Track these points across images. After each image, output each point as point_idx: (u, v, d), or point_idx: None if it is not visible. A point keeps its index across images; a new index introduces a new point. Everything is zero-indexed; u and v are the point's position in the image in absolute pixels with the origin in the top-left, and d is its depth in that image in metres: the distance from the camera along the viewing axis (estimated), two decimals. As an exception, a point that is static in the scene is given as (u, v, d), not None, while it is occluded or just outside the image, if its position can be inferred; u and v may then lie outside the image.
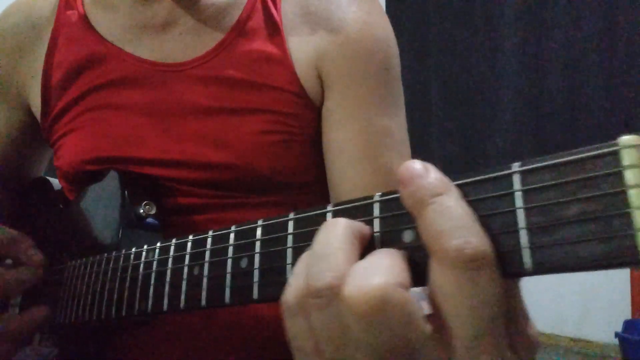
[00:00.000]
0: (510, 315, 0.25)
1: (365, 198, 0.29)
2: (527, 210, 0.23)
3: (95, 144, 0.62)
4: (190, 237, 0.40)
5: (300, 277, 0.27)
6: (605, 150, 0.22)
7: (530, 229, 0.23)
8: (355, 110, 0.62)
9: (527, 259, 0.23)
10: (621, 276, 2.65)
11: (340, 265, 0.25)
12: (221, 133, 0.60)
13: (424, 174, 0.25)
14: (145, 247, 0.45)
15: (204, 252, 0.38)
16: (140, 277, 0.44)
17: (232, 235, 0.36)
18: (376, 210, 0.28)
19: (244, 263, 0.34)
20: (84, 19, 0.67)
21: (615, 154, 0.22)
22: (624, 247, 0.21)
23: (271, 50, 0.62)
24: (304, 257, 0.28)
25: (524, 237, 0.23)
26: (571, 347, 2.78)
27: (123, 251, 0.48)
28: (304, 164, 0.63)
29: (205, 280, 0.37)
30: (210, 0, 0.65)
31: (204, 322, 0.58)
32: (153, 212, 0.57)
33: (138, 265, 0.45)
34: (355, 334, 0.24)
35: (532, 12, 2.82)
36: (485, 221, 0.24)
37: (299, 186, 0.64)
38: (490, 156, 2.87)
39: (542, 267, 0.23)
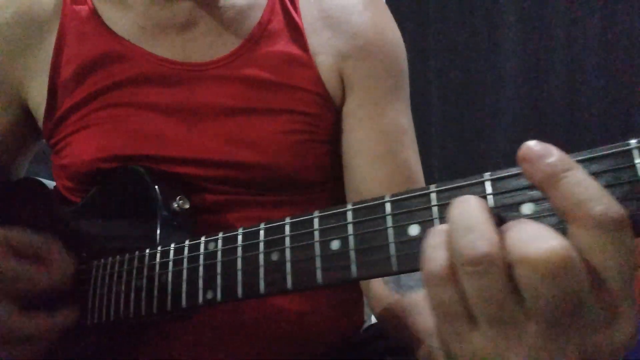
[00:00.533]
0: None
1: (473, 178, 0.32)
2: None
3: (114, 142, 0.61)
4: (262, 225, 0.41)
5: (440, 249, 0.29)
6: None
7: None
8: (376, 111, 0.65)
9: None
10: (621, 276, 2.65)
11: (491, 234, 0.28)
12: (246, 132, 0.61)
13: (548, 152, 0.28)
14: (203, 238, 0.45)
15: (284, 238, 0.39)
16: (201, 267, 0.45)
17: (315, 221, 0.37)
18: (489, 188, 0.31)
19: (335, 245, 0.36)
20: (95, 15, 0.66)
21: None
22: None
23: (295, 52, 0.64)
24: (442, 231, 0.30)
25: None
26: (571, 348, 2.77)
27: (172, 245, 0.48)
28: (323, 163, 0.66)
29: (288, 265, 0.38)
30: (230, 2, 0.66)
31: (230, 318, 0.59)
32: (187, 206, 0.57)
33: (197, 257, 0.45)
34: (528, 293, 0.27)
35: (532, 12, 2.82)
36: (609, 190, 0.28)
37: (317, 184, 0.65)
38: (490, 156, 2.87)
39: None
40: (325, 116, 0.64)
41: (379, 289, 0.62)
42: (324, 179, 0.66)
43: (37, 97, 0.66)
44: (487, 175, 0.32)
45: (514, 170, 0.31)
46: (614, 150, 0.28)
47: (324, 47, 0.65)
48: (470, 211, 0.29)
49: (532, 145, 0.28)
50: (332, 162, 0.67)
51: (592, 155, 0.29)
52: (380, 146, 0.64)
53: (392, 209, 0.34)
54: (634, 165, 0.28)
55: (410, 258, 0.33)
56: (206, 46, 0.64)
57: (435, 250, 0.30)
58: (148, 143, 0.60)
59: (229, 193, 0.61)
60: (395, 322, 0.60)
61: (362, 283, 0.66)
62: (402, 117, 0.67)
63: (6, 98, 0.68)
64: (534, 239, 0.27)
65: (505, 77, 2.89)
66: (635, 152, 0.28)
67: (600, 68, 2.63)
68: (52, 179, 0.71)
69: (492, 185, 0.31)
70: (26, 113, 0.69)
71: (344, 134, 0.66)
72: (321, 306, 0.63)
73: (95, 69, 0.63)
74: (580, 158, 0.29)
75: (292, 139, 0.62)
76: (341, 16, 0.66)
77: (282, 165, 0.61)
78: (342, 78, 0.65)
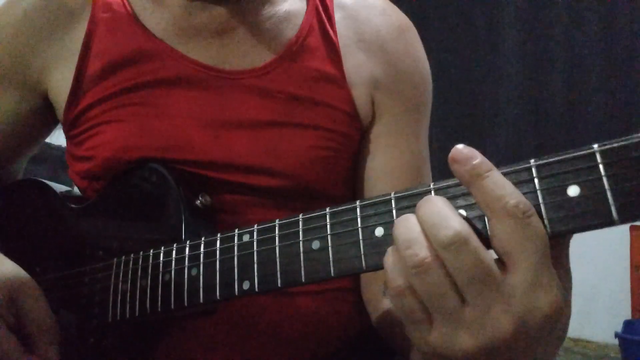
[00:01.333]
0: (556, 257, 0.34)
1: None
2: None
3: (140, 143, 0.60)
4: (300, 215, 0.42)
5: (396, 264, 0.35)
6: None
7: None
8: (402, 139, 0.68)
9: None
10: (621, 276, 2.65)
11: (427, 244, 0.34)
12: (275, 144, 0.62)
13: (473, 155, 0.33)
14: (236, 230, 0.45)
15: (325, 226, 0.40)
16: (236, 259, 0.45)
17: (358, 209, 0.39)
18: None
19: (379, 232, 0.37)
20: (129, 10, 0.65)
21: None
22: None
23: (329, 70, 0.65)
24: (392, 250, 0.36)
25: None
26: (571, 347, 2.78)
27: (203, 238, 0.48)
28: (345, 178, 0.67)
29: (330, 252, 0.39)
30: (269, 13, 0.66)
31: (247, 318, 0.59)
32: (209, 203, 0.57)
33: (231, 248, 0.45)
34: (452, 270, 0.33)
35: (532, 12, 2.82)
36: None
37: (333, 198, 0.66)
38: (490, 156, 2.87)
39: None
40: (352, 135, 0.65)
41: (376, 294, 0.62)
42: (342, 193, 0.67)
43: (60, 86, 0.65)
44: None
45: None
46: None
47: (357, 70, 0.66)
48: (409, 227, 0.34)
49: (461, 148, 0.33)
50: (352, 178, 0.68)
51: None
52: (402, 174, 0.67)
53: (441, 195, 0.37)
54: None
55: None
56: (241, 54, 0.64)
57: (393, 266, 0.35)
58: (175, 147, 0.60)
59: (249, 195, 0.61)
60: (387, 328, 0.60)
61: (362, 289, 0.66)
62: (423, 147, 0.70)
63: (26, 85, 0.66)
64: (444, 228, 0.33)
65: (505, 77, 2.90)
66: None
67: (600, 68, 2.63)
68: (53, 179, 0.71)
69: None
70: (45, 102, 0.67)
71: (369, 155, 0.68)
72: (337, 306, 0.63)
73: (126, 65, 0.62)
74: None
75: (320, 154, 0.63)
76: (376, 42, 0.67)
77: (307, 177, 0.62)
78: (373, 101, 0.66)
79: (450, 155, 0.33)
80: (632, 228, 2.59)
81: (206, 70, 0.63)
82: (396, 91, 0.67)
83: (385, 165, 0.67)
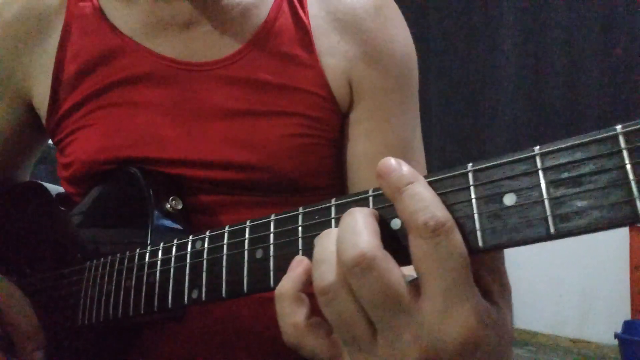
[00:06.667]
0: (481, 273, 0.31)
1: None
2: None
3: (113, 143, 0.60)
4: (248, 222, 0.40)
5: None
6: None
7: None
8: (385, 123, 0.64)
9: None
10: (621, 277, 2.65)
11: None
12: (248, 134, 0.60)
13: (398, 168, 0.30)
14: (191, 237, 0.44)
15: (268, 235, 0.38)
16: (188, 267, 0.44)
17: (300, 217, 0.37)
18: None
19: None
20: (99, 11, 0.65)
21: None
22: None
23: (300, 53, 0.62)
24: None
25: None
26: (571, 348, 2.78)
27: (162, 244, 0.47)
28: (326, 166, 0.64)
29: (272, 261, 0.37)
30: (235, 1, 0.65)
31: (225, 325, 0.58)
32: (180, 207, 0.57)
33: (184, 256, 0.44)
34: (359, 296, 0.30)
35: (532, 12, 2.82)
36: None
37: (320, 188, 0.63)
38: (490, 156, 2.87)
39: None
40: (330, 120, 0.63)
41: None
42: (327, 183, 0.65)
43: (42, 94, 0.65)
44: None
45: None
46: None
47: (331, 50, 0.63)
48: (324, 246, 0.32)
49: (387, 161, 0.31)
50: (336, 166, 0.65)
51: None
52: None
53: (373, 205, 0.34)
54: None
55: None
56: (209, 45, 0.63)
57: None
58: (147, 144, 0.59)
59: (228, 194, 0.60)
60: None
61: None
62: (409, 131, 0.66)
63: (12, 96, 0.67)
64: (350, 247, 0.29)
65: (505, 77, 2.90)
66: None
67: (600, 68, 2.63)
68: (53, 180, 0.71)
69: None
70: (32, 112, 0.67)
71: (350, 141, 0.65)
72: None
73: (97, 66, 0.62)
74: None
75: (295, 142, 0.60)
76: (351, 20, 0.64)
77: (283, 168, 0.60)
78: (351, 83, 0.64)
79: (376, 169, 0.31)
80: (631, 228, 2.59)
81: (174, 65, 0.62)
82: (375, 71, 0.64)
83: (367, 151, 0.64)
